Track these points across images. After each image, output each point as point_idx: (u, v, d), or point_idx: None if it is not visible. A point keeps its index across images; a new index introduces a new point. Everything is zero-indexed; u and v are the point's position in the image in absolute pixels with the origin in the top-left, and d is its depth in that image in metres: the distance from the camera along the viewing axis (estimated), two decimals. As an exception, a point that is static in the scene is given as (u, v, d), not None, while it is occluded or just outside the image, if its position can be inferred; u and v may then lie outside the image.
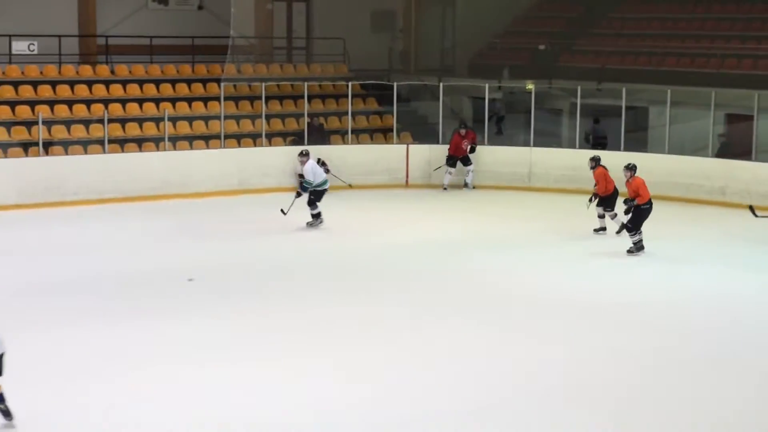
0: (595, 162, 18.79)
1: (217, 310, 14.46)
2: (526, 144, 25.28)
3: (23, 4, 27.46)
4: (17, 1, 27.47)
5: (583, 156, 21.47)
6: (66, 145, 24.53)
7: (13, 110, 24.91)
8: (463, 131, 24.92)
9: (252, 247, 19.29)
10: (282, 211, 20.61)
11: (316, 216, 20.36)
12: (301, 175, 20.95)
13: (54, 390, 10.94)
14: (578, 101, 24.95)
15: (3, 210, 22.11)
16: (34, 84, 26.07)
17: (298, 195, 20.59)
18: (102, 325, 13.63)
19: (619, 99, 24.41)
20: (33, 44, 27.00)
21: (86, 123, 25.15)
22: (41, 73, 26.68)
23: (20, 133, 24.40)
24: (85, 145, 24.74)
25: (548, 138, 25.79)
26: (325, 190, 20.30)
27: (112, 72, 27.60)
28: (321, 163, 20.34)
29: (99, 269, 17.13)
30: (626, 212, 17.55)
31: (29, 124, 24.38)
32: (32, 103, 25.16)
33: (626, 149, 23.70)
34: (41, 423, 10.11)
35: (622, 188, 18.31)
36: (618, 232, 18.37)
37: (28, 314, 14.02)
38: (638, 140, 25.34)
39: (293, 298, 15.28)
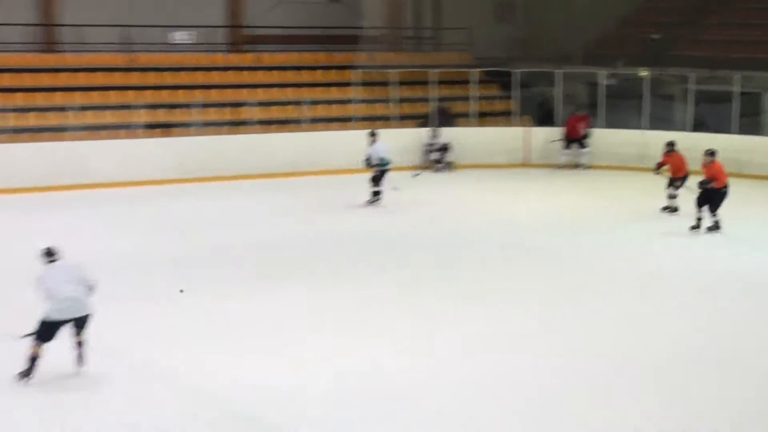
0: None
1: (342, 279, 14.90)
2: (640, 127, 25.84)
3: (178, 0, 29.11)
4: None
5: (693, 139, 21.97)
6: (217, 126, 25.86)
7: (172, 95, 26.41)
8: (579, 115, 25.87)
9: (376, 219, 19.88)
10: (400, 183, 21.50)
11: (377, 193, 20.92)
12: (368, 156, 21.05)
13: (208, 347, 11.55)
14: (691, 87, 25.38)
15: (166, 184, 23.53)
16: (190, 70, 27.59)
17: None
18: (237, 292, 14.10)
19: (731, 86, 24.75)
20: (188, 34, 28.73)
21: (236, 106, 26.47)
22: (195, 60, 28.20)
23: (182, 116, 25.63)
24: (233, 125, 26.04)
25: (661, 122, 26.18)
26: (388, 170, 20.90)
27: (257, 59, 29.01)
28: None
29: (242, 239, 17.87)
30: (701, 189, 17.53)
31: (183, 107, 25.81)
32: (188, 88, 26.65)
33: (741, 133, 24.31)
34: (197, 375, 10.64)
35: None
36: (710, 229, 17.86)
37: (181, 282, 14.48)
38: (752, 124, 25.67)
39: (409, 268, 15.62)
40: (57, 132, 24.50)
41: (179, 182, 23.94)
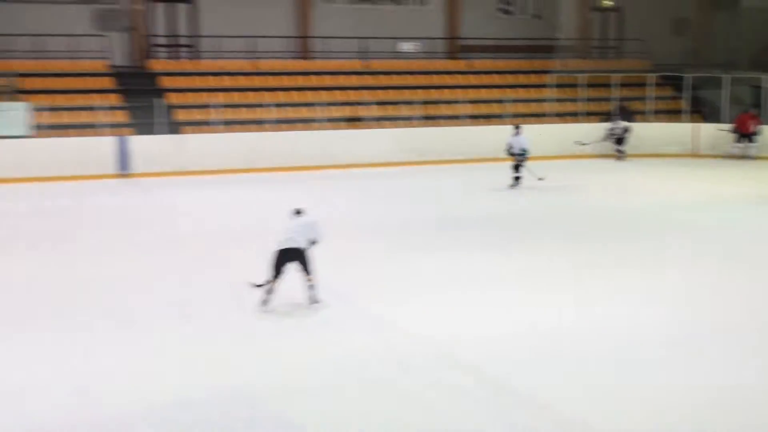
0: None
1: (508, 247, 15.10)
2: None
3: (407, 14, 32.08)
4: (403, 10, 32.25)
5: None
6: (434, 119, 28.22)
7: (398, 93, 29.00)
8: (750, 113, 27.39)
9: (548, 199, 20.30)
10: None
11: (517, 178, 21.52)
12: (510, 146, 21.65)
13: (416, 298, 11.88)
14: None
15: (388, 166, 25.67)
16: (414, 74, 30.29)
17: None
18: (423, 254, 14.45)
19: None
20: (414, 44, 31.67)
21: (450, 103, 28.87)
22: (419, 65, 30.81)
23: (406, 110, 27.93)
24: (448, 119, 28.31)
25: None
26: (527, 159, 21.51)
27: (469, 65, 31.59)
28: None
29: (434, 212, 18.63)
30: None
31: (407, 104, 28.29)
32: (412, 88, 29.29)
33: None
34: (406, 320, 10.91)
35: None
36: None
37: (385, 245, 15.27)
38: None
39: (573, 241, 15.81)
40: (307, 123, 27.07)
41: (401, 165, 25.77)
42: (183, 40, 30.05)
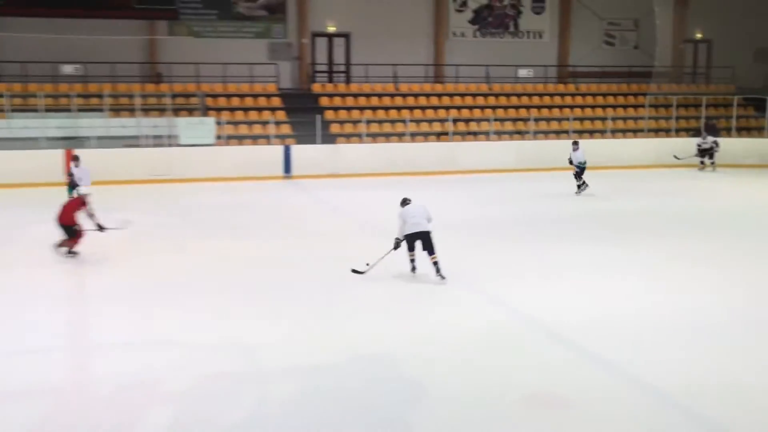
0: None
1: (612, 241, 14.75)
2: None
3: (525, 46, 31.95)
4: (522, 42, 32.17)
5: None
6: (545, 133, 28.10)
7: (516, 111, 29.07)
8: None
9: (642, 202, 19.87)
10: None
11: (579, 186, 20.80)
12: (570, 161, 21.03)
13: (534, 282, 11.76)
14: None
15: (505, 172, 25.17)
16: (530, 95, 30.22)
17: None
18: (533, 245, 14.34)
19: None
20: (530, 71, 31.37)
21: (559, 120, 28.75)
22: (533, 88, 30.67)
23: (522, 126, 28.11)
24: (556, 133, 28.13)
25: None
26: (585, 169, 20.79)
27: (577, 88, 31.23)
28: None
29: (542, 210, 18.52)
30: None
31: (523, 120, 28.32)
32: (528, 107, 29.28)
33: None
34: (521, 301, 10.68)
35: None
36: None
37: (500, 237, 15.22)
38: None
39: (664, 236, 15.41)
40: (438, 135, 27.22)
41: (516, 171, 25.46)
42: (339, 68, 30.54)
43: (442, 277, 11.58)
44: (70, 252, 13.27)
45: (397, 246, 11.94)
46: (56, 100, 25.34)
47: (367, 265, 11.92)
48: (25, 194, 20.58)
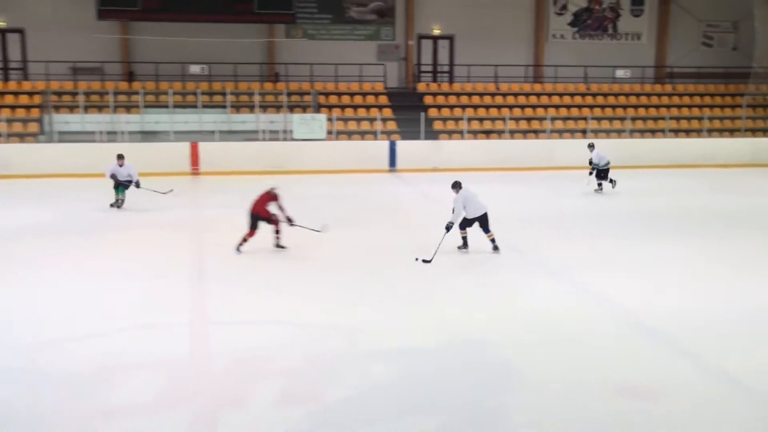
0: None
1: (705, 236, 14.39)
2: None
3: (622, 47, 31.00)
4: (619, 44, 31.16)
5: None
6: (639, 132, 27.49)
7: (613, 111, 28.45)
8: None
9: (732, 198, 19.56)
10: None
11: (600, 185, 19.95)
12: (590, 162, 20.10)
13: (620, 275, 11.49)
14: None
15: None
16: (627, 95, 29.51)
17: None
18: (624, 239, 13.92)
19: None
20: (627, 72, 30.59)
21: (655, 119, 28.12)
22: (630, 88, 30.00)
23: (618, 124, 27.32)
24: (651, 132, 27.57)
25: None
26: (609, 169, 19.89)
27: (674, 89, 30.41)
28: None
29: (626, 205, 18.12)
30: None
31: (620, 119, 27.76)
32: (625, 107, 28.74)
33: None
34: (604, 291, 10.75)
35: None
36: None
37: (574, 231, 14.82)
38: None
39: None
40: (536, 133, 27.00)
41: (614, 168, 22.95)
42: (443, 68, 30.41)
43: (498, 250, 12.41)
44: (241, 243, 12.75)
45: (449, 229, 12.23)
46: (184, 98, 26.14)
47: (422, 260, 11.97)
48: (156, 182, 21.19)
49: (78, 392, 7.36)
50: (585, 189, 20.14)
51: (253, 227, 12.84)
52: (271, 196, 12.96)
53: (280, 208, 13.02)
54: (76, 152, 22.71)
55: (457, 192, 12.47)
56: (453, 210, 12.38)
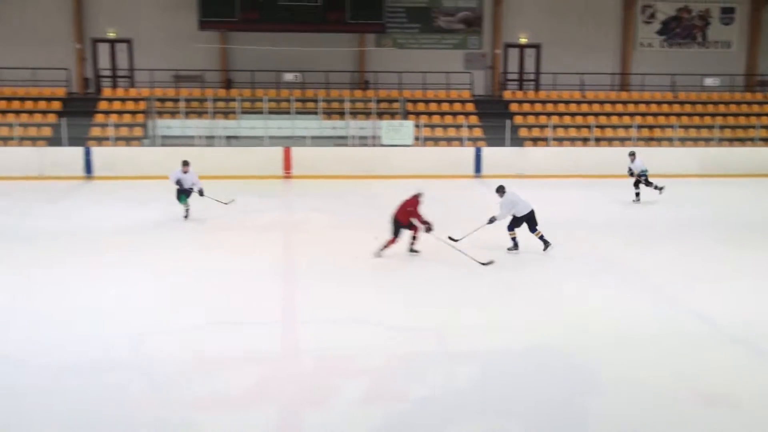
0: None
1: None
2: None
3: (711, 55, 30.11)
4: (708, 52, 30.49)
5: None
6: (729, 140, 26.47)
7: (701, 119, 27.55)
8: None
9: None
10: None
11: (638, 194, 19.35)
12: (630, 171, 19.47)
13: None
14: None
15: (686, 177, 23.96)
16: (716, 103, 28.50)
17: None
18: (707, 248, 13.80)
19: None
20: (716, 80, 29.49)
21: (745, 127, 27.19)
22: (719, 96, 28.92)
23: (706, 133, 26.61)
24: (740, 140, 26.64)
25: None
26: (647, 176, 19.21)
27: (765, 97, 29.23)
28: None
29: (710, 214, 17.57)
30: None
31: (708, 128, 26.88)
32: (713, 115, 27.77)
33: None
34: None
35: None
36: None
37: (656, 238, 14.54)
38: None
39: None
40: (622, 141, 26.20)
41: (699, 177, 24.37)
42: (529, 76, 30.09)
43: (549, 244, 12.61)
44: (383, 248, 12.72)
45: (492, 221, 12.85)
46: (278, 104, 26.58)
47: (449, 237, 12.81)
48: (251, 185, 21.78)
49: (174, 381, 7.61)
50: (633, 198, 19.54)
51: (395, 234, 12.75)
52: (417, 200, 12.78)
53: (417, 215, 12.74)
54: (177, 155, 23.32)
55: (502, 195, 12.77)
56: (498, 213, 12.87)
